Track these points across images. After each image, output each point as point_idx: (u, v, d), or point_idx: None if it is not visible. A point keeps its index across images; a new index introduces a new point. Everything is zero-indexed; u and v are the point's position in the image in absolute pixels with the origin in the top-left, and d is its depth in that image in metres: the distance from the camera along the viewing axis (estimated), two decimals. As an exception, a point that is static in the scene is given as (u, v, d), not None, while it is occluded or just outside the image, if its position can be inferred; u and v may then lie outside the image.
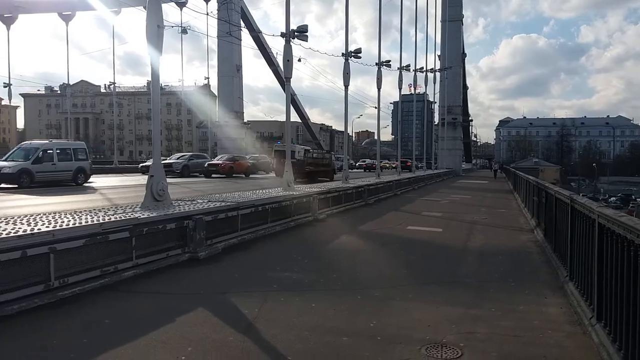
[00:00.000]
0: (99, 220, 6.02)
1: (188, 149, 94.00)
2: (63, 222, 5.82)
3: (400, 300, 5.42)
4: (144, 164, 35.45)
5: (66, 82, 49.62)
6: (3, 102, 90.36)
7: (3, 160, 22.23)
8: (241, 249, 8.15)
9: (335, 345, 4.05)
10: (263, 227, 9.64)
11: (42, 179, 21.54)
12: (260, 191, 12.18)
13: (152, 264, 6.52)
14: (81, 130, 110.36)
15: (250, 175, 33.44)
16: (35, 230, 5.16)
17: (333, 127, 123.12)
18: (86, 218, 6.20)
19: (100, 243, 5.80)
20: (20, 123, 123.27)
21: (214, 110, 50.55)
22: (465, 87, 69.39)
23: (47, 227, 5.41)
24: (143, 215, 6.81)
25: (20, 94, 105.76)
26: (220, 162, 33.71)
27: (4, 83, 42.05)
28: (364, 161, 60.39)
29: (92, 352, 3.78)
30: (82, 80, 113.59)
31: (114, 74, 47.22)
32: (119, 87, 67.15)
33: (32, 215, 6.56)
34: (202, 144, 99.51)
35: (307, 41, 14.96)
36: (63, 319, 4.60)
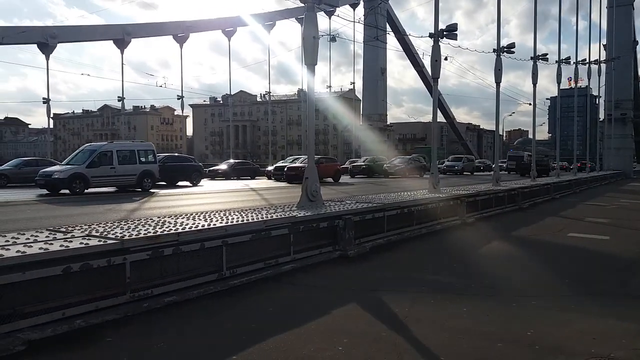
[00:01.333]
0: (263, 218, 6.63)
1: (333, 152, 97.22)
2: (233, 219, 6.51)
3: (560, 310, 5.09)
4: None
5: (228, 93, 54.65)
6: (176, 112, 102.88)
7: (63, 164, 20.45)
8: (388, 250, 8.29)
9: (490, 350, 3.97)
10: (408, 229, 9.67)
11: (99, 184, 19.42)
12: (405, 193, 12.21)
13: (307, 260, 6.98)
14: (240, 136, 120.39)
15: (390, 177, 33.76)
16: (212, 226, 5.87)
17: (481, 127, 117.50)
18: (252, 215, 6.86)
19: (264, 238, 6.38)
20: (189, 131, 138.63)
21: (359, 114, 51.60)
22: (636, 79, 61.42)
23: (220, 223, 6.12)
24: (300, 214, 7.32)
25: (189, 105, 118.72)
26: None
27: (177, 95, 47.64)
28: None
29: (259, 335, 4.20)
30: (240, 91, 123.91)
31: (269, 84, 50.96)
32: (273, 95, 72.03)
33: (207, 213, 7.43)
34: (346, 147, 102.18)
35: (456, 39, 14.64)
36: (234, 304, 5.18)
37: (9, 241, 4.68)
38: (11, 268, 3.97)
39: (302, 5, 9.05)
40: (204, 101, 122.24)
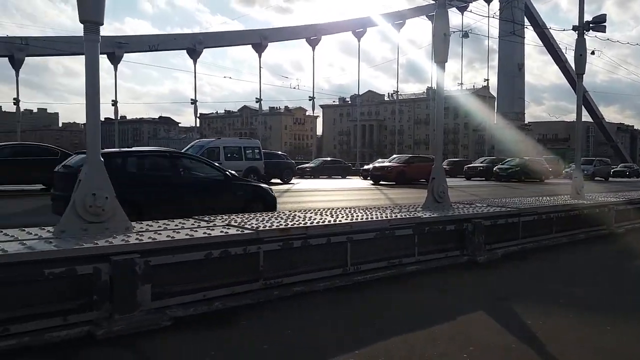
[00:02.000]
0: (387, 217, 6.63)
1: (464, 152, 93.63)
2: (357, 216, 6.60)
3: None
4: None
5: (356, 93, 55.42)
6: (307, 113, 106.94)
7: None
8: (522, 258, 7.78)
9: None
10: (546, 237, 8.98)
11: None
12: (544, 198, 11.36)
13: (432, 262, 6.83)
14: (366, 135, 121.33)
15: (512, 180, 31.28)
16: (337, 222, 6.02)
17: (635, 127, 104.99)
18: (376, 214, 6.89)
19: (387, 237, 6.37)
20: (319, 130, 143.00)
21: (492, 112, 49.12)
22: None
23: (345, 219, 6.24)
24: (425, 215, 7.19)
25: (320, 105, 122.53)
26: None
27: (309, 96, 49.59)
28: None
29: (382, 332, 4.21)
30: (369, 91, 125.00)
31: (397, 83, 51.50)
32: (401, 94, 71.45)
33: (333, 209, 7.62)
34: (477, 147, 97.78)
35: (604, 32, 13.27)
36: (358, 300, 5.25)
37: (161, 227, 5.26)
38: (163, 251, 4.45)
39: (433, 2, 8.85)
40: (333, 101, 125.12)
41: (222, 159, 20.71)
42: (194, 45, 40.85)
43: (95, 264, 4.04)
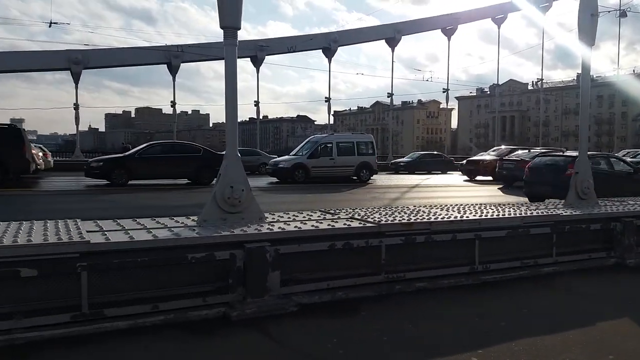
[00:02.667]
0: (521, 214, 6.25)
1: (620, 144, 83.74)
2: (488, 212, 6.32)
3: None
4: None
5: (495, 83, 52.46)
6: (441, 106, 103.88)
7: (291, 155, 21.79)
8: (686, 264, 6.81)
9: None
10: None
11: (319, 174, 20.32)
12: None
13: (572, 264, 6.29)
14: (507, 128, 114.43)
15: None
16: (464, 218, 5.83)
17: None
18: (509, 211, 6.53)
19: (521, 236, 6.00)
20: (454, 123, 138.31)
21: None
22: None
23: (474, 215, 6.02)
24: (565, 212, 6.64)
25: (455, 97, 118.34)
26: None
27: (443, 88, 48.10)
28: None
29: (508, 335, 4.01)
30: (510, 80, 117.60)
31: (542, 70, 46.93)
32: (547, 82, 66.11)
33: (461, 205, 7.38)
34: (637, 138, 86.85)
35: None
36: (485, 300, 5.05)
37: (290, 218, 5.57)
38: (291, 240, 4.73)
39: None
40: (470, 93, 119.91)
41: (335, 154, 20.96)
42: (329, 44, 41.98)
43: (231, 251, 4.43)
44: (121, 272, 4.02)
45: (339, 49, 43.14)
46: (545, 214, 6.42)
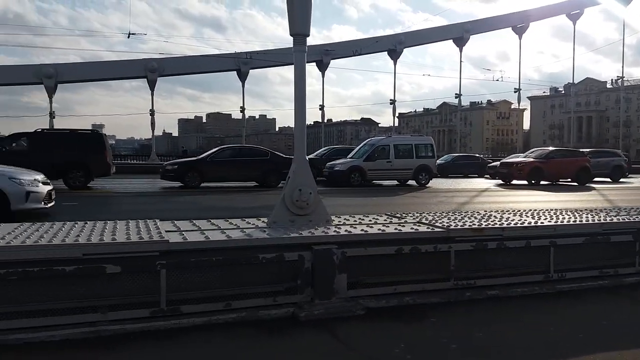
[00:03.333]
0: (600, 220, 5.93)
1: None
2: (564, 218, 6.04)
3: None
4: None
5: (571, 82, 49.91)
6: (512, 106, 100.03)
7: (348, 158, 21.16)
8: None
9: None
10: None
11: (375, 177, 20.19)
12: None
13: (659, 275, 5.88)
14: (583, 129, 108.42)
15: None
16: (539, 223, 5.60)
17: None
18: (587, 217, 6.21)
19: (600, 243, 5.69)
20: (526, 124, 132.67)
21: None
22: None
23: (549, 221, 5.77)
24: (650, 219, 6.22)
25: (527, 97, 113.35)
26: None
27: (514, 88, 46.33)
28: None
29: (585, 347, 3.83)
30: (587, 78, 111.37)
31: (622, 67, 44.16)
32: (628, 80, 62.06)
33: (534, 210, 7.10)
34: None
35: None
36: (562, 309, 4.84)
37: (356, 221, 5.61)
38: (357, 243, 4.76)
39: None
40: (544, 92, 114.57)
41: (392, 157, 20.46)
42: (394, 46, 41.67)
43: (300, 252, 4.52)
44: (197, 270, 4.21)
45: (405, 49, 42.70)
46: (627, 220, 6.05)
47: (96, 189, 17.58)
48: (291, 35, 5.62)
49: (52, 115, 34.17)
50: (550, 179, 22.27)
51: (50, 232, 4.44)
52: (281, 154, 20.61)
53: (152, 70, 36.74)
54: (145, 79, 37.43)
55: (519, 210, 7.02)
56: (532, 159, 22.73)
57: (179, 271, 4.16)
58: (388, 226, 5.25)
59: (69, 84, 38.57)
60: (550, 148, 26.73)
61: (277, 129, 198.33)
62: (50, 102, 34.28)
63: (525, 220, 5.83)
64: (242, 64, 39.13)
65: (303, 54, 5.64)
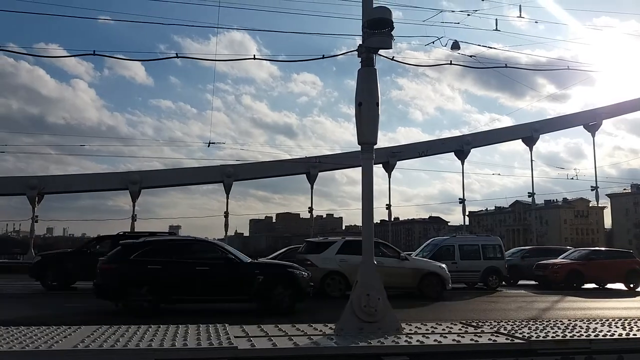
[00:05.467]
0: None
1: None
2: None
3: None
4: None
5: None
6: (591, 204, 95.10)
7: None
8: None
9: None
10: None
11: None
12: None
13: None
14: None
15: None
16: (631, 335, 5.10)
17: None
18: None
19: None
20: (607, 223, 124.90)
21: None
22: None
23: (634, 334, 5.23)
24: None
25: (606, 195, 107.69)
26: None
27: (591, 186, 44.32)
28: None
29: None
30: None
31: None
32: None
33: (625, 319, 6.48)
34: None
35: None
36: None
37: (428, 330, 5.36)
38: (430, 355, 4.51)
39: None
40: (624, 189, 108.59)
41: (457, 258, 19.32)
42: (461, 146, 41.82)
43: (369, 363, 4.35)
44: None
45: (472, 149, 42.62)
46: None
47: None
48: (359, 144, 5.87)
49: (134, 218, 36.41)
50: (592, 282, 20.41)
51: (126, 336, 4.58)
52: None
53: (228, 176, 38.80)
54: (222, 183, 39.49)
55: (607, 319, 6.43)
56: (569, 260, 20.75)
57: (246, 378, 4.11)
58: (463, 336, 4.96)
59: (152, 189, 41.38)
60: (591, 249, 24.41)
61: (343, 227, 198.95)
62: (134, 205, 36.70)
63: (616, 331, 5.32)
64: (311, 168, 40.54)
65: (370, 162, 5.84)
